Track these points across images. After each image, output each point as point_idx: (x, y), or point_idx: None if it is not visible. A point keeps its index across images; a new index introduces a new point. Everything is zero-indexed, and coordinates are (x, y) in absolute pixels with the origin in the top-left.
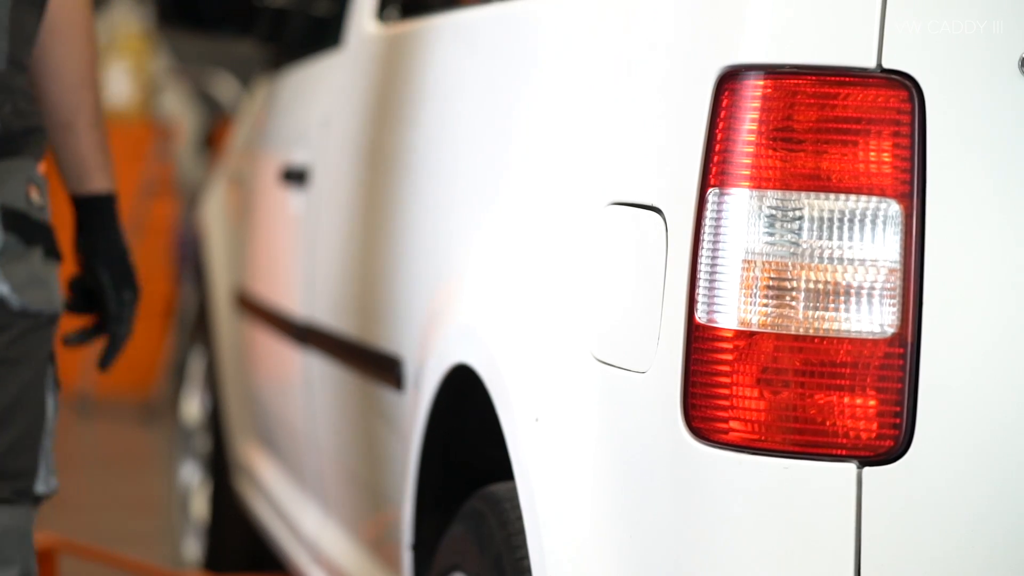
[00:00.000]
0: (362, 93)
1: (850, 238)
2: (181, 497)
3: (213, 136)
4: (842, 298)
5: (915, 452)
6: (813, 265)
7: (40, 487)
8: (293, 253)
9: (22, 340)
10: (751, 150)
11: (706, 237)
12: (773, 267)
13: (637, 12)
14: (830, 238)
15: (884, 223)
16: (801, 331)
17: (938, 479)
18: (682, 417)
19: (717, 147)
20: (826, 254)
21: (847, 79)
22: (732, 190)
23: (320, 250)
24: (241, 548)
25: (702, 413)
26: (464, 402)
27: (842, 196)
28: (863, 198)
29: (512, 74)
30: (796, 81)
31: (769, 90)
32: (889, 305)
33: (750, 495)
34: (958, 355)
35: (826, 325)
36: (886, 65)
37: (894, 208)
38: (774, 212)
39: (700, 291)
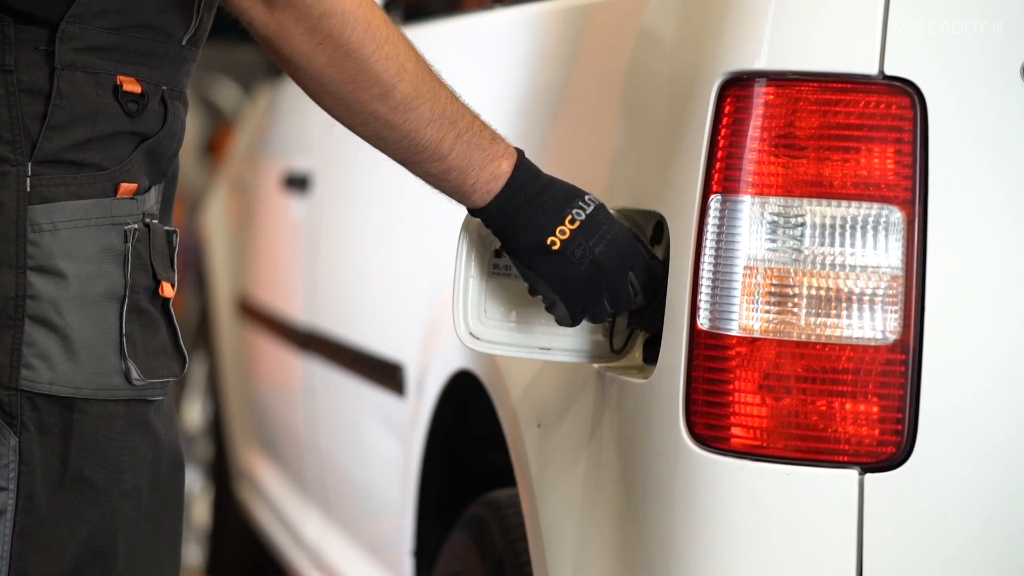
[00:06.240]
0: None
1: (852, 245)
2: None
3: (215, 142)
4: (844, 304)
5: (917, 458)
6: (815, 271)
7: None
8: (295, 259)
9: None
10: (753, 156)
11: (708, 243)
12: (775, 273)
13: (641, 18)
14: (832, 245)
15: (886, 230)
16: (803, 337)
17: (940, 485)
18: (684, 423)
19: (719, 153)
20: (828, 261)
21: (849, 86)
22: (734, 196)
23: (322, 256)
24: (243, 554)
25: (704, 419)
26: (466, 408)
27: (844, 203)
28: (865, 205)
29: (515, 80)
30: (799, 88)
31: (772, 97)
32: (891, 312)
33: (752, 501)
34: (960, 362)
35: (828, 331)
36: (888, 72)
37: (896, 215)
38: (776, 218)
39: (702, 297)
